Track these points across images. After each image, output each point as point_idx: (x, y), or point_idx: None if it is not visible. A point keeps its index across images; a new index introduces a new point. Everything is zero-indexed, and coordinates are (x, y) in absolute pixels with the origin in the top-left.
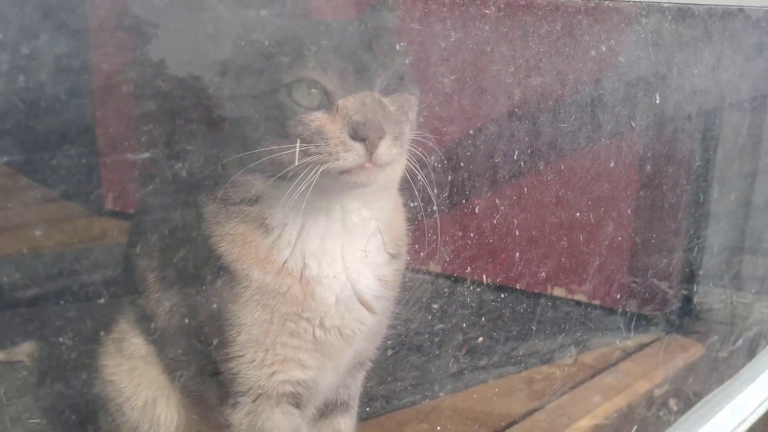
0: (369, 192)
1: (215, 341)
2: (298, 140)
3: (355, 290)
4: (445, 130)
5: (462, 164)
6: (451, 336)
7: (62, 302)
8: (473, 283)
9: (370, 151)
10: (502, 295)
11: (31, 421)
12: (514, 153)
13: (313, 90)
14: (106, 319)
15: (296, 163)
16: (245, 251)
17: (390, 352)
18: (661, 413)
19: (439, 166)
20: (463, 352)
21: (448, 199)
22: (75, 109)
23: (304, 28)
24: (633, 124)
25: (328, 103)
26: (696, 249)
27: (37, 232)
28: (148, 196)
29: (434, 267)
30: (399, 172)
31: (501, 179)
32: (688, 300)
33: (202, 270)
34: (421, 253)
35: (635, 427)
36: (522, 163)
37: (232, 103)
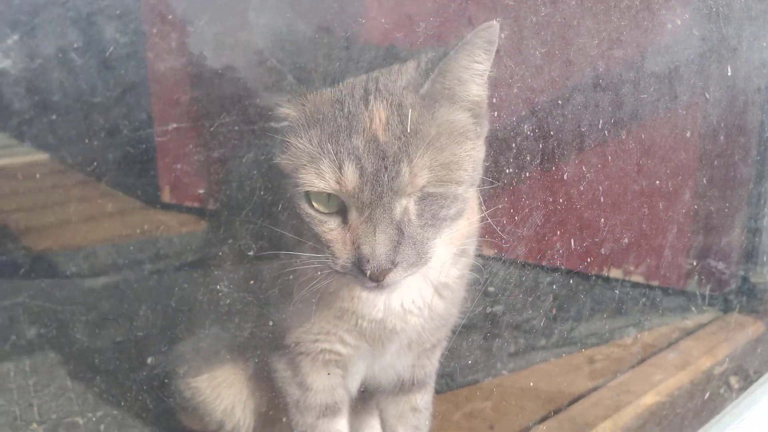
0: None
1: (276, 307)
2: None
3: (402, 298)
4: (536, 99)
5: (552, 132)
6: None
7: (127, 294)
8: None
9: (375, 281)
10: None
11: (112, 400)
12: (599, 122)
13: (331, 196)
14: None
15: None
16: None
17: None
18: (722, 390)
19: (532, 134)
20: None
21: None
22: (132, 104)
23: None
24: (707, 95)
25: (345, 210)
26: (755, 227)
27: (97, 225)
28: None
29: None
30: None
31: (587, 147)
32: (746, 279)
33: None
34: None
35: (697, 403)
36: (606, 132)
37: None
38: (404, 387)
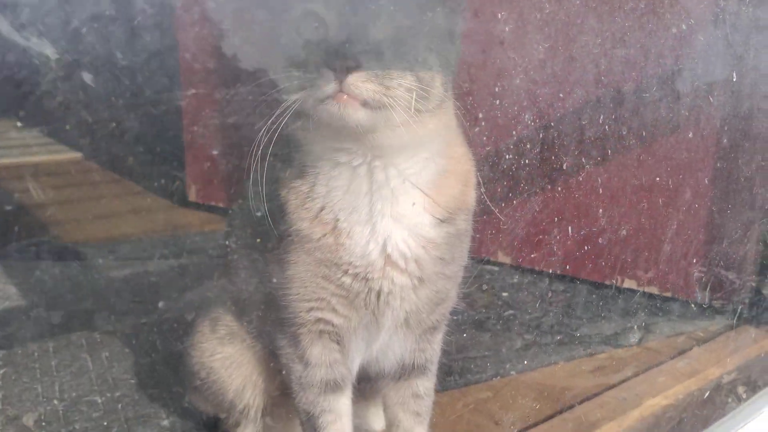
0: (390, 147)
1: (275, 277)
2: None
3: (382, 248)
4: (538, 92)
5: (552, 123)
6: None
7: (151, 284)
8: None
9: (340, 79)
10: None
11: (131, 381)
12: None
13: (316, 25)
14: (194, 301)
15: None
16: (289, 195)
17: None
18: (730, 399)
19: (532, 124)
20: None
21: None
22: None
23: None
24: (711, 99)
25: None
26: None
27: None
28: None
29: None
30: (430, 130)
31: (587, 140)
32: (758, 291)
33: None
34: None
35: (704, 410)
36: (606, 127)
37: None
38: (405, 372)
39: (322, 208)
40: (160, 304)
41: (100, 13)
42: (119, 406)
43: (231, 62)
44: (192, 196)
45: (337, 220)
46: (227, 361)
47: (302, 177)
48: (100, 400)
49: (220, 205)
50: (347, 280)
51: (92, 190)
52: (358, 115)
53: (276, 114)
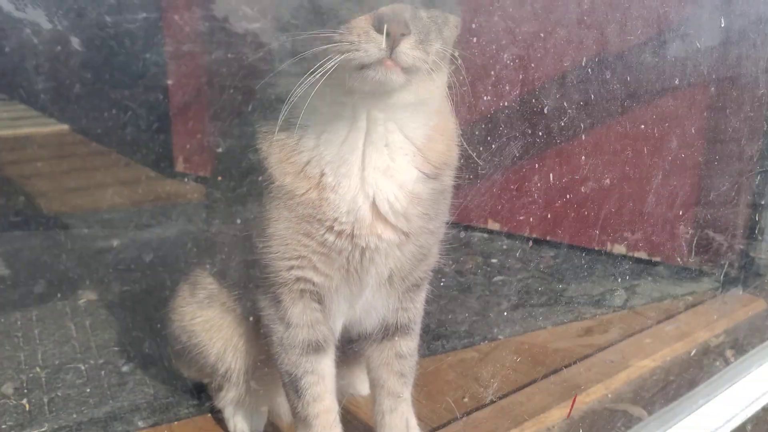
0: (397, 104)
1: (254, 232)
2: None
3: (374, 202)
4: (518, 30)
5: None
6: None
7: (137, 253)
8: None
9: (391, 47)
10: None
11: (114, 348)
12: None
13: None
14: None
15: (319, 50)
16: (272, 150)
17: None
18: (717, 362)
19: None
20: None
21: None
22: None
23: None
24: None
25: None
26: (757, 204)
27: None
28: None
29: None
30: (433, 89)
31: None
32: (748, 255)
33: (253, 172)
34: None
35: (691, 373)
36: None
37: None
38: (389, 332)
39: (308, 162)
40: (144, 272)
41: None
42: (102, 373)
43: (223, 24)
44: (179, 166)
45: (323, 174)
46: (207, 324)
47: (287, 130)
48: (83, 367)
49: (207, 175)
50: (330, 237)
51: (79, 162)
52: (399, 80)
53: (304, 77)
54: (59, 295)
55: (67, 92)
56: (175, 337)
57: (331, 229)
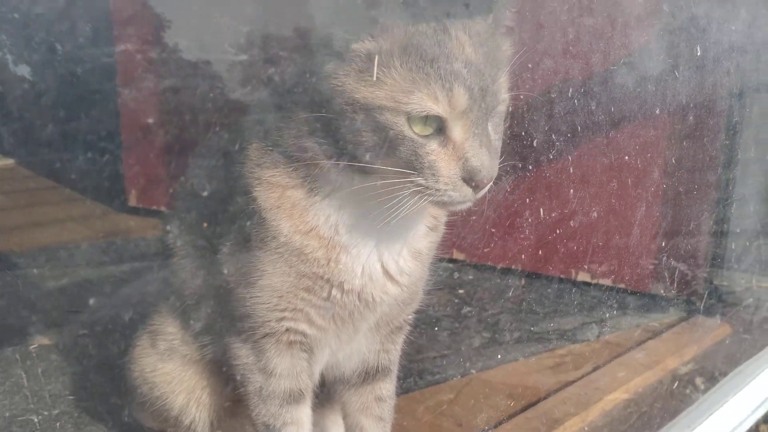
0: None
1: (237, 280)
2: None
3: (383, 262)
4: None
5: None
6: None
7: (91, 293)
8: None
9: (476, 192)
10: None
11: (70, 397)
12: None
13: (430, 119)
14: (135, 306)
15: (403, 195)
16: (281, 203)
17: None
18: (688, 390)
19: None
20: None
21: None
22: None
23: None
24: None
25: (442, 131)
26: (720, 231)
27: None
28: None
29: None
30: None
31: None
32: (711, 283)
33: (233, 209)
34: None
35: (664, 402)
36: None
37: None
38: (368, 375)
39: (322, 224)
40: (100, 313)
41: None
42: (58, 424)
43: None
44: (132, 200)
45: (336, 234)
46: (169, 376)
47: (301, 187)
48: (36, 419)
49: (162, 209)
50: (337, 294)
51: (26, 198)
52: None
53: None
54: (8, 340)
55: (11, 124)
56: (136, 387)
57: (340, 287)
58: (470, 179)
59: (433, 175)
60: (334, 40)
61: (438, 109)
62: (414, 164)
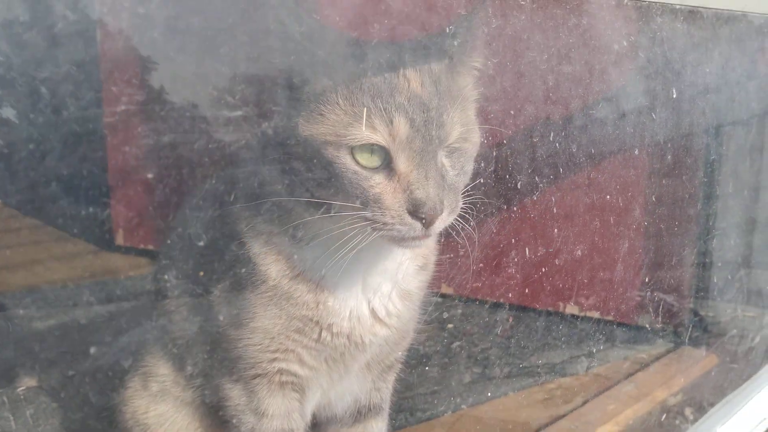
0: None
1: (229, 321)
2: (355, 200)
3: (371, 305)
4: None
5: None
6: None
7: (79, 333)
8: None
9: (427, 227)
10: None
11: None
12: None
13: (375, 151)
14: (126, 349)
15: (349, 227)
16: (267, 249)
17: None
18: (677, 421)
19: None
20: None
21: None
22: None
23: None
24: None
25: (389, 164)
26: (705, 262)
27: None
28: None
29: None
30: None
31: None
32: (698, 314)
33: (225, 252)
34: None
35: None
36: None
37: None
38: (360, 414)
39: (309, 269)
40: (90, 353)
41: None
42: None
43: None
44: (119, 239)
45: (323, 278)
46: (161, 418)
47: (286, 233)
48: None
49: (150, 247)
50: (327, 336)
51: (10, 237)
52: (430, 242)
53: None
54: None
55: None
56: (128, 429)
57: (329, 329)
58: (415, 211)
59: (380, 208)
60: (293, 83)
61: (376, 137)
62: (361, 198)
